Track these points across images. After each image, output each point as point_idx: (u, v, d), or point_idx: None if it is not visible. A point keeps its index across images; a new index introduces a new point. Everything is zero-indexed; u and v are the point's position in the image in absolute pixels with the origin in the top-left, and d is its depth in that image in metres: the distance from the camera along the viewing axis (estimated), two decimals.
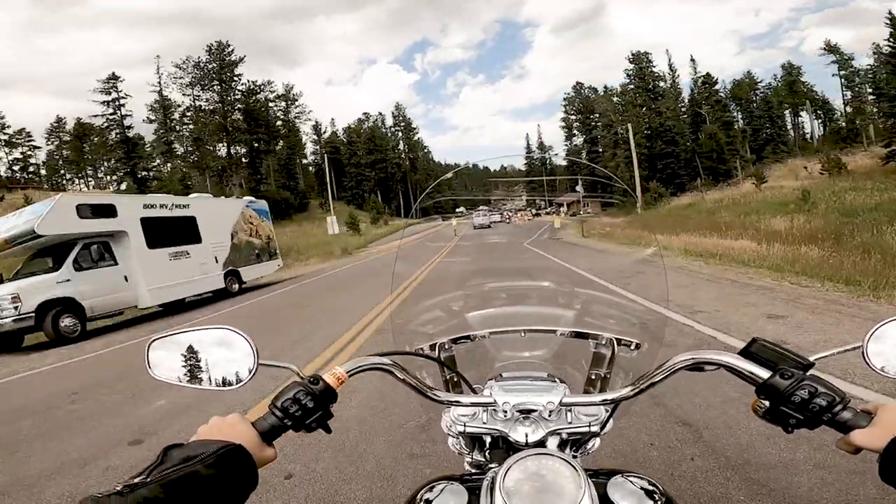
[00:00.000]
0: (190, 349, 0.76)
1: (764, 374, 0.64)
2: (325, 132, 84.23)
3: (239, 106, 58.98)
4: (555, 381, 0.83)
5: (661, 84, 62.42)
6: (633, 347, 0.94)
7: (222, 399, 3.98)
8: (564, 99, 79.10)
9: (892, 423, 0.58)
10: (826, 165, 33.38)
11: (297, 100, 72.33)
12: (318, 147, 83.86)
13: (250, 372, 0.74)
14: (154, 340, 0.78)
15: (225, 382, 0.75)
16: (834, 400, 0.60)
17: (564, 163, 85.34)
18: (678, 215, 30.94)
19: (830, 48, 57.45)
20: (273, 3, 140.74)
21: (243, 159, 60.32)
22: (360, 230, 42.90)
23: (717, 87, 61.84)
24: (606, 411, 0.78)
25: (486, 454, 0.81)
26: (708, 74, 62.31)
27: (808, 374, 0.63)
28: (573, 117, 77.87)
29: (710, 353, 0.70)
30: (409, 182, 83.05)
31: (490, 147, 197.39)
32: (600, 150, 71.81)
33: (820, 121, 67.71)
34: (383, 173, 77.45)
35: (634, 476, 0.67)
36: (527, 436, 0.73)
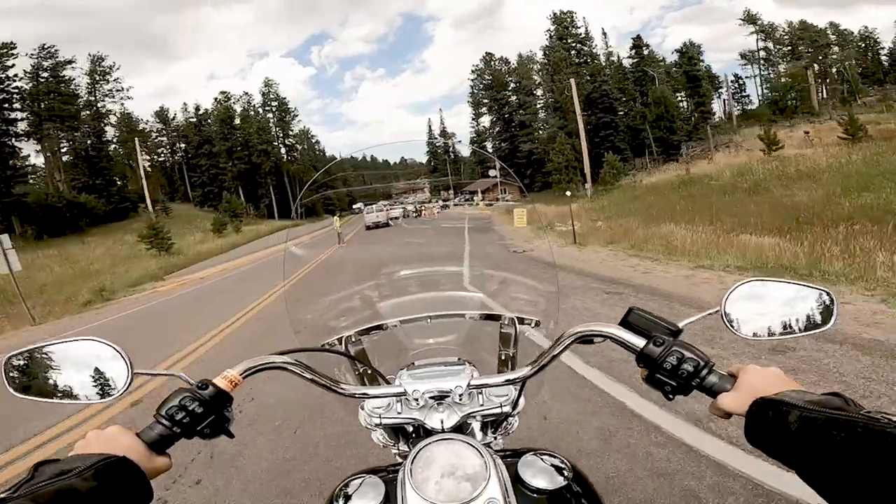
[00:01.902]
0: (57, 363, 0.71)
1: (640, 342, 0.65)
2: (173, 118, 63.77)
3: None
4: (463, 365, 0.81)
5: (587, 46, 52.84)
6: (532, 325, 0.97)
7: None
8: (472, 72, 67.19)
9: (753, 385, 0.59)
10: (850, 129, 24.39)
11: (107, 74, 51.77)
12: (165, 137, 63.16)
13: (126, 382, 0.70)
14: (12, 356, 0.72)
15: (102, 394, 0.70)
16: (699, 364, 0.61)
17: (467, 151, 73.84)
18: (672, 198, 19.63)
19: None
20: None
21: None
22: (168, 244, 26.20)
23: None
24: (516, 390, 0.78)
25: (410, 444, 0.79)
26: (639, 36, 54.10)
27: (676, 340, 0.64)
28: (482, 94, 66.39)
29: (596, 325, 0.70)
30: (287, 176, 65.56)
31: (393, 140, 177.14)
32: (515, 126, 61.13)
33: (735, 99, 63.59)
34: (245, 164, 59.20)
35: (546, 454, 0.69)
36: (442, 422, 0.73)
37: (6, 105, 37.78)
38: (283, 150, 66.83)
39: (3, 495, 0.45)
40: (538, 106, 55.88)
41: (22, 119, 40.38)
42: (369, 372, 0.90)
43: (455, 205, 55.41)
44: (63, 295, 18.58)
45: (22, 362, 0.72)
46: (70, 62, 44.49)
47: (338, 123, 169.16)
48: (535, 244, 10.05)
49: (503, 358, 0.93)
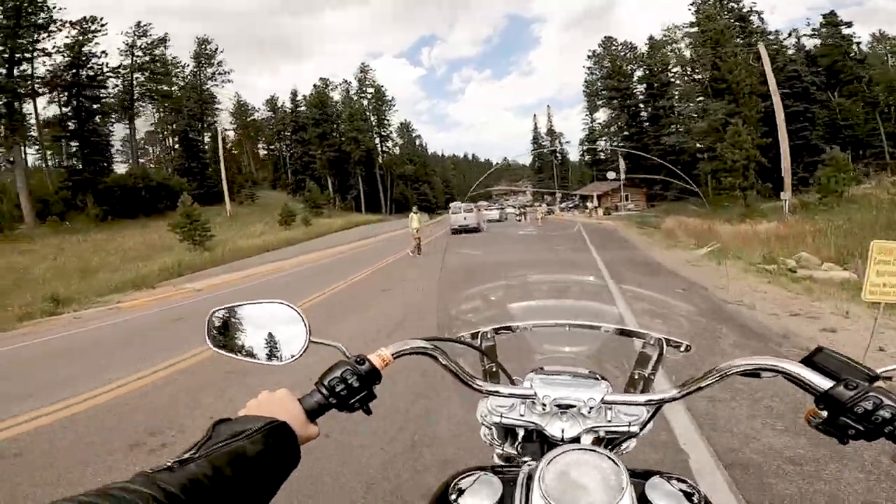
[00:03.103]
0: (247, 322, 0.78)
1: (826, 384, 0.62)
2: (280, 107, 62.70)
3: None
4: (597, 379, 0.81)
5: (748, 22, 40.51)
6: (682, 349, 0.92)
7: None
8: (588, 58, 57.31)
9: None
10: None
11: (212, 58, 50.75)
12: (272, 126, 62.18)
13: (301, 349, 0.75)
14: (214, 312, 0.80)
15: (278, 357, 0.76)
16: None
17: (575, 154, 64.05)
18: None
19: None
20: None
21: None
22: (207, 238, 21.21)
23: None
24: (648, 412, 0.76)
25: (518, 447, 0.80)
26: (832, 12, 40.48)
27: (872, 385, 0.61)
28: (599, 84, 56.26)
29: (769, 359, 0.68)
30: (379, 167, 61.17)
31: (496, 143, 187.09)
32: (645, 121, 50.22)
33: None
34: (335, 152, 55.40)
35: (673, 478, 0.65)
36: (563, 431, 0.72)
37: (94, 82, 36.53)
38: (377, 140, 62.47)
39: (185, 456, 0.50)
40: (678, 91, 44.47)
41: (109, 97, 39.32)
42: (494, 370, 0.91)
43: (562, 210, 45.79)
44: (15, 300, 13.79)
45: (220, 319, 0.79)
46: (164, 40, 43.30)
47: (444, 124, 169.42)
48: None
49: (636, 377, 0.90)
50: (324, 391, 0.67)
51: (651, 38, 50.16)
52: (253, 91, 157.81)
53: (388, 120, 63.68)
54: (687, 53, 41.34)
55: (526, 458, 0.75)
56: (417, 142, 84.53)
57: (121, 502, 0.41)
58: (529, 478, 0.62)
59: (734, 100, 33.21)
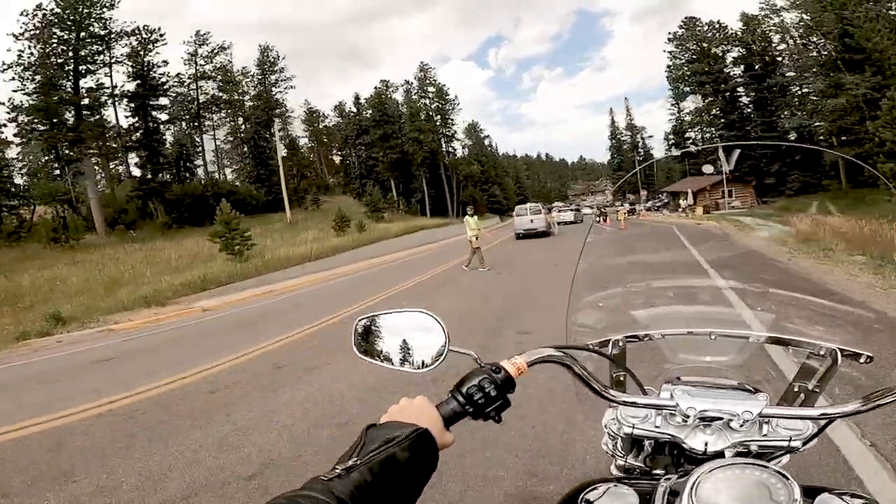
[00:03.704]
0: (389, 330, 0.80)
1: None
2: (346, 110, 62.51)
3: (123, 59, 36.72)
4: (751, 391, 0.75)
5: None
6: (863, 361, 0.81)
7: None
8: (669, 40, 51.08)
9: None
10: None
11: (274, 65, 51.07)
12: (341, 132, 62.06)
13: (439, 357, 0.76)
14: (360, 320, 0.82)
15: (419, 364, 0.77)
16: None
17: (659, 150, 57.30)
18: None
19: None
20: (347, 9, 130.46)
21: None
22: (247, 247, 19.58)
23: None
24: (815, 427, 0.70)
25: (647, 460, 0.77)
26: None
27: None
28: (685, 69, 49.72)
29: None
30: (444, 168, 58.69)
31: (571, 141, 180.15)
32: (748, 105, 43.43)
33: None
34: (397, 153, 53.60)
35: (846, 493, 0.59)
36: (706, 444, 0.68)
37: (157, 92, 37.22)
38: (442, 141, 59.99)
39: (349, 463, 0.53)
40: (794, 67, 37.33)
41: (174, 106, 40.05)
42: (622, 378, 0.88)
43: (648, 210, 40.21)
44: (26, 315, 12.61)
45: (364, 326, 0.82)
46: (224, 48, 43.70)
47: (517, 124, 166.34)
48: None
49: (795, 390, 0.83)
50: (461, 399, 0.67)
51: (744, 14, 43.18)
52: (329, 100, 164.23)
53: (451, 119, 60.93)
54: (794, 17, 34.37)
55: (658, 472, 0.73)
56: (487, 142, 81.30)
57: None
58: (672, 493, 0.59)
59: (878, 71, 26.46)
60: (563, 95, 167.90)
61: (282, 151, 38.70)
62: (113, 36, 33.39)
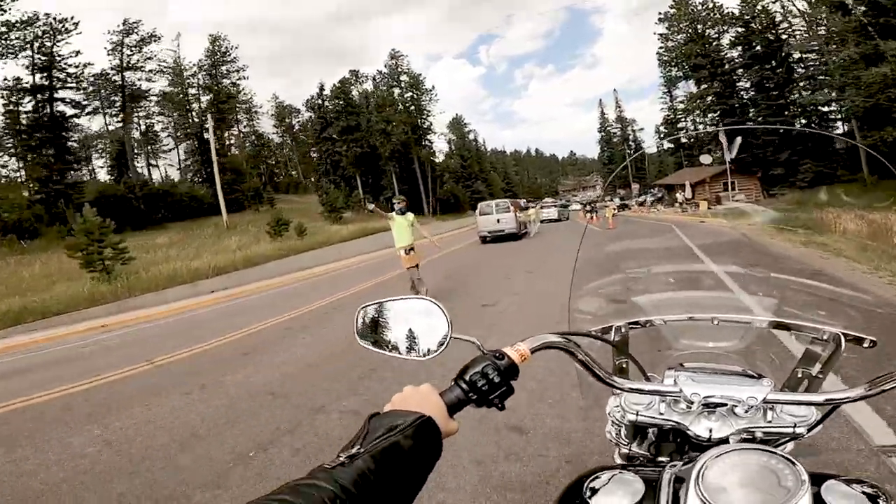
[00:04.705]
0: (391, 317, 0.80)
1: None
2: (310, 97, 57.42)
3: None
4: (755, 377, 0.75)
5: None
6: (867, 345, 0.81)
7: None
8: (659, 21, 46.81)
9: None
10: None
11: (227, 54, 46.02)
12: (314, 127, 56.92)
13: (442, 344, 0.75)
14: (363, 307, 0.82)
15: (420, 352, 0.77)
16: None
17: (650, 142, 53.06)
18: None
19: None
20: (332, 9, 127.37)
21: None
22: (122, 262, 14.56)
23: None
24: (819, 413, 0.71)
25: (651, 447, 0.77)
26: None
27: None
28: (679, 50, 45.33)
29: None
30: (419, 163, 53.72)
31: (562, 138, 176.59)
32: (751, 89, 39.01)
33: None
34: (360, 146, 48.56)
35: (853, 480, 0.59)
36: (710, 431, 0.68)
37: (63, 85, 31.99)
38: (417, 133, 55.07)
39: (353, 451, 0.53)
40: (797, 41, 32.89)
41: (83, 100, 34.73)
42: (625, 365, 0.88)
43: (640, 205, 35.69)
44: None
45: (367, 314, 0.81)
46: (154, 36, 38.43)
47: (510, 121, 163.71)
48: None
49: (799, 375, 0.83)
50: (464, 386, 0.66)
51: None
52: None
53: (428, 111, 56.00)
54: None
55: (662, 459, 0.72)
56: (472, 136, 76.54)
57: (311, 498, 0.46)
58: (678, 479, 0.59)
59: None
60: (554, 93, 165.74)
61: (215, 145, 33.53)
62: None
